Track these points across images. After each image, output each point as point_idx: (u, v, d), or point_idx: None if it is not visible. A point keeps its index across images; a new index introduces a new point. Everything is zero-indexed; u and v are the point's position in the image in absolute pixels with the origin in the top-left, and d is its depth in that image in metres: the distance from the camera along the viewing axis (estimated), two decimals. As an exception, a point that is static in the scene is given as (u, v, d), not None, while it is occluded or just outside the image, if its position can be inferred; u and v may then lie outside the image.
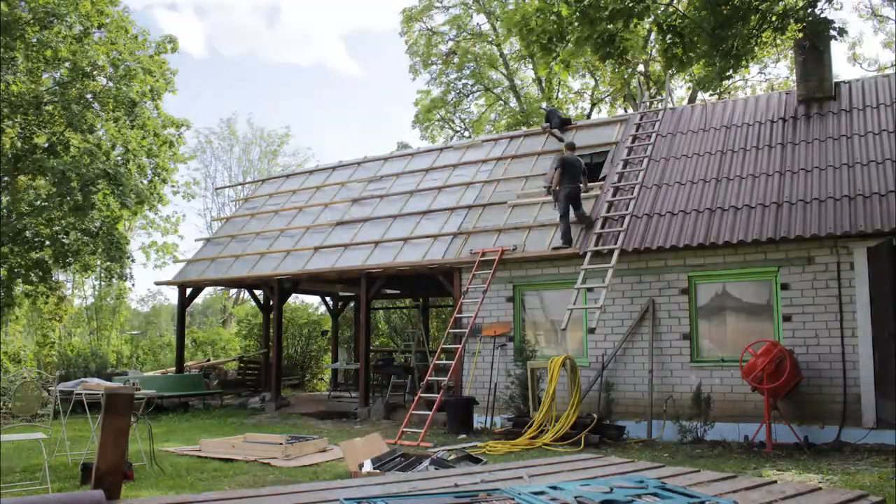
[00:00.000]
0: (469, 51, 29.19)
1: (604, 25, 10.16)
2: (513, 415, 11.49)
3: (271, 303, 16.44)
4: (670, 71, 13.93)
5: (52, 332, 22.88)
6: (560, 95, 29.21)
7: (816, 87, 12.90)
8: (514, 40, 26.20)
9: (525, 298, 12.71)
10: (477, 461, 7.85)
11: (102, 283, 24.91)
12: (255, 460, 9.18)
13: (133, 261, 20.81)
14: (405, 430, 11.21)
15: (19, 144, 18.67)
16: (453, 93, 30.39)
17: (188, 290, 17.17)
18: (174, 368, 17.79)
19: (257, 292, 18.78)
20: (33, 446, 9.55)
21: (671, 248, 11.09)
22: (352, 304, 20.47)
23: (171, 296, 52.41)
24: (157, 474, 8.20)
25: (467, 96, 30.79)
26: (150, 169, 21.26)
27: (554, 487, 3.36)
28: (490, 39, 29.48)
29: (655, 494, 3.28)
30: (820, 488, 3.85)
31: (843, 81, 13.34)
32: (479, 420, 12.20)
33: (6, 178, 19.14)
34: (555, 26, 10.41)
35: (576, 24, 10.23)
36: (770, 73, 27.07)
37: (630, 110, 26.65)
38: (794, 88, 13.59)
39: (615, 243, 11.50)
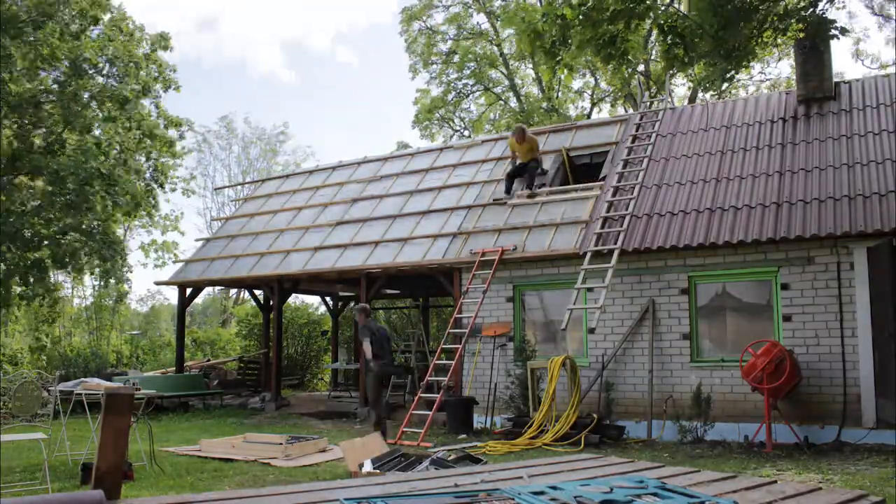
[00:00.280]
0: (469, 50, 29.19)
1: (605, 27, 10.16)
2: (513, 415, 11.49)
3: (271, 303, 16.44)
4: (670, 71, 13.95)
5: (44, 336, 22.84)
6: (560, 95, 29.22)
7: (817, 87, 12.91)
8: (513, 40, 26.23)
9: (525, 298, 12.71)
10: (477, 461, 7.84)
11: (100, 283, 24.92)
12: (255, 460, 9.18)
13: (130, 271, 20.83)
14: (405, 430, 11.21)
15: (16, 144, 18.67)
16: (453, 92, 30.40)
17: (188, 290, 17.16)
18: (174, 368, 17.78)
19: (257, 292, 18.78)
20: (33, 446, 9.55)
21: (671, 248, 11.09)
22: (352, 304, 20.46)
23: (171, 296, 52.39)
24: (157, 474, 8.20)
25: (467, 96, 30.80)
26: (149, 171, 21.25)
27: (554, 487, 3.36)
28: (490, 39, 29.48)
29: (655, 494, 3.28)
30: (820, 488, 3.85)
31: (844, 81, 13.35)
32: (479, 420, 12.20)
33: (4, 179, 19.14)
34: (559, 30, 10.40)
35: (578, 26, 10.23)
36: (770, 73, 27.05)
37: (630, 110, 26.65)
38: (795, 88, 13.59)
39: (615, 243, 11.50)
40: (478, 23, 30.19)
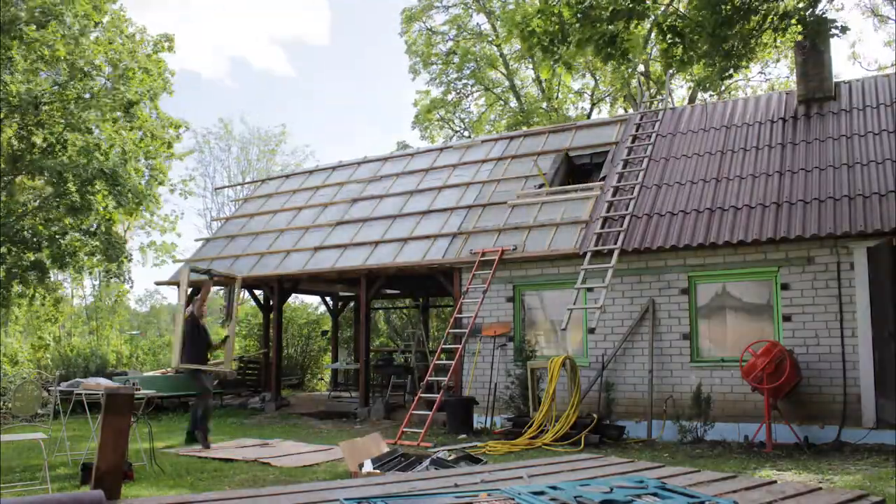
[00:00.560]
0: (469, 51, 29.19)
1: (605, 26, 10.16)
2: (513, 415, 11.48)
3: (271, 303, 16.43)
4: (670, 71, 13.95)
5: (46, 334, 22.86)
6: (560, 95, 29.22)
7: (816, 87, 12.91)
8: (514, 40, 26.21)
9: (525, 298, 12.71)
10: (477, 461, 7.84)
11: (101, 283, 24.93)
12: (255, 460, 9.19)
13: (130, 261, 20.79)
14: (405, 430, 11.21)
15: (16, 144, 18.67)
16: (453, 93, 30.40)
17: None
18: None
19: (257, 292, 18.77)
20: (33, 446, 9.54)
21: (671, 248, 11.09)
22: (352, 304, 20.46)
23: (171, 296, 52.36)
24: (157, 474, 8.20)
25: (467, 96, 30.80)
26: (147, 170, 21.25)
27: (554, 487, 3.36)
28: (490, 39, 29.48)
29: (655, 494, 3.28)
30: (820, 488, 3.85)
31: (843, 81, 13.35)
32: (479, 420, 12.20)
33: (5, 179, 19.14)
34: (556, 28, 10.39)
35: (577, 25, 10.23)
36: (770, 74, 27.07)
37: (630, 110, 26.66)
38: (794, 88, 13.59)
39: (615, 243, 11.50)
40: (478, 24, 30.22)
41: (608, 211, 12.28)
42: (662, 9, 10.81)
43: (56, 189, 17.59)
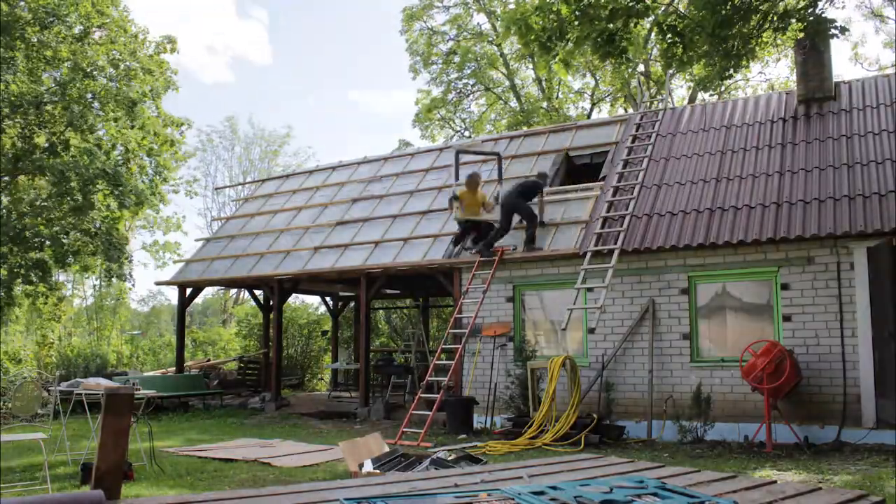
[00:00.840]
0: (469, 50, 29.19)
1: (603, 24, 10.15)
2: (513, 415, 11.48)
3: (271, 303, 16.43)
4: (670, 71, 13.95)
5: (51, 332, 22.89)
6: (560, 95, 29.22)
7: (816, 87, 12.90)
8: (514, 40, 26.19)
9: (525, 298, 12.71)
10: (477, 461, 7.83)
11: (102, 283, 24.93)
12: (255, 460, 9.19)
13: (131, 261, 20.79)
14: (405, 430, 11.20)
15: (19, 144, 18.68)
16: (454, 92, 30.40)
17: (188, 290, 17.16)
18: (174, 368, 17.79)
19: (257, 292, 18.78)
20: (33, 446, 9.55)
21: (671, 248, 11.09)
22: (352, 304, 20.46)
23: (172, 296, 52.41)
24: (157, 474, 8.20)
25: (468, 96, 30.80)
26: (151, 168, 21.27)
27: (554, 487, 3.36)
28: (490, 39, 29.48)
29: (655, 494, 3.27)
30: (820, 488, 3.85)
31: (843, 81, 13.34)
32: (479, 420, 12.20)
33: (6, 178, 19.14)
34: (554, 25, 10.39)
35: (575, 22, 10.23)
36: (770, 74, 27.07)
37: (630, 110, 26.65)
38: (794, 88, 13.59)
39: (615, 243, 11.50)
40: (478, 23, 30.23)
41: (608, 211, 12.28)
42: (662, 8, 10.80)
43: (58, 189, 17.59)
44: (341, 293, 19.86)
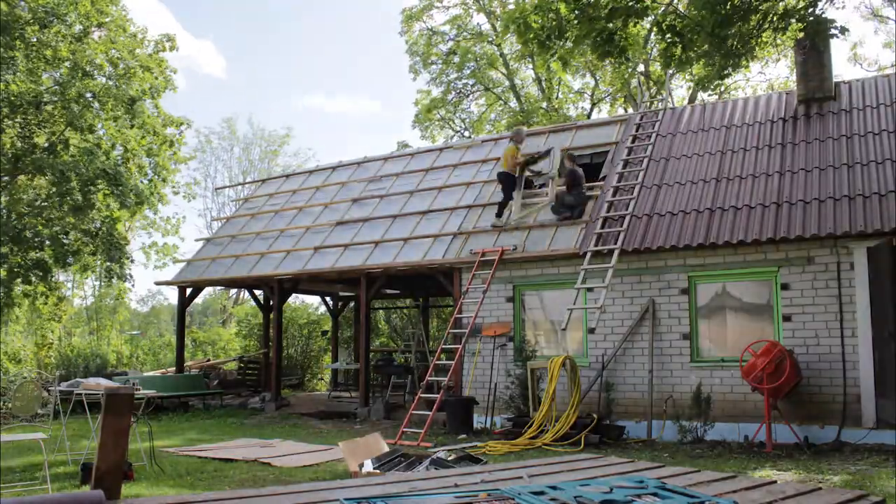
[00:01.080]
0: (469, 50, 29.19)
1: (602, 24, 10.15)
2: (513, 415, 11.48)
3: (271, 303, 16.43)
4: (670, 71, 13.95)
5: (51, 332, 22.88)
6: (560, 95, 29.21)
7: (816, 87, 12.90)
8: (513, 39, 26.20)
9: (525, 298, 12.70)
10: (477, 461, 7.84)
11: (102, 283, 24.93)
12: (255, 460, 9.19)
13: (132, 261, 20.80)
14: (405, 430, 11.20)
15: (19, 144, 18.68)
16: (453, 93, 30.39)
17: (188, 290, 17.16)
18: (174, 368, 17.78)
19: (257, 292, 18.78)
20: (33, 446, 9.55)
21: (671, 248, 11.09)
22: (352, 304, 20.46)
23: (171, 296, 52.44)
24: (157, 474, 8.20)
25: (467, 96, 30.79)
26: (150, 168, 21.27)
27: (554, 487, 3.36)
28: (490, 39, 29.48)
29: (655, 494, 3.27)
30: (820, 488, 3.85)
31: (843, 81, 13.34)
32: (479, 420, 12.20)
33: (6, 178, 19.14)
34: (553, 24, 10.39)
35: (574, 21, 10.23)
36: (770, 74, 27.07)
37: (630, 110, 26.65)
38: (794, 88, 13.59)
39: (615, 243, 11.50)
40: (478, 23, 30.22)
41: (608, 211, 12.28)
42: (662, 8, 10.80)
43: (58, 189, 17.59)
44: (341, 293, 19.86)
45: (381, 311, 23.64)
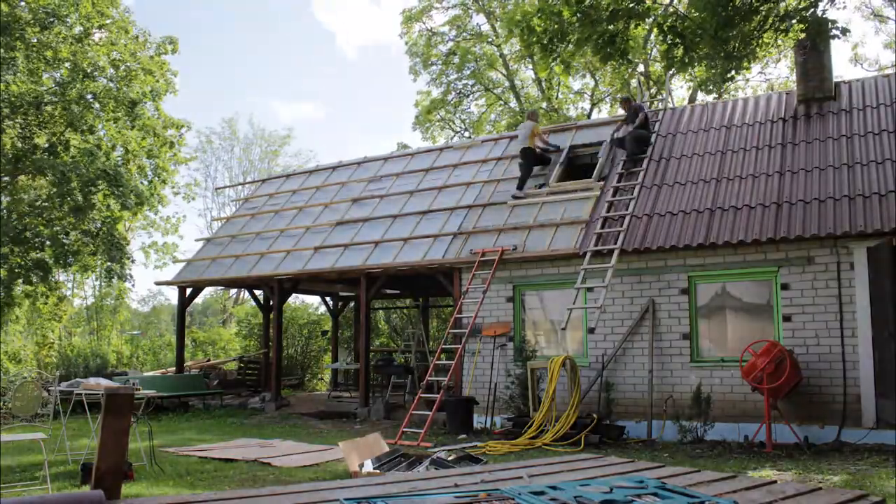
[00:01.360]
0: (469, 51, 29.19)
1: (604, 26, 10.16)
2: (513, 415, 11.49)
3: (271, 303, 16.44)
4: (670, 71, 13.93)
5: (51, 332, 22.89)
6: (560, 95, 29.20)
7: (816, 88, 12.90)
8: (514, 40, 26.20)
9: (525, 298, 12.71)
10: (477, 461, 7.84)
11: (102, 283, 24.95)
12: (255, 460, 9.19)
13: (133, 261, 20.80)
14: (405, 430, 11.21)
15: (19, 145, 18.69)
16: (453, 93, 30.39)
17: (188, 290, 17.17)
18: (174, 368, 17.79)
19: (257, 292, 18.78)
20: (33, 446, 9.55)
21: (671, 248, 11.09)
22: (352, 304, 20.46)
23: (172, 296, 52.43)
24: (157, 474, 8.20)
25: (467, 97, 30.78)
26: (150, 170, 21.29)
27: (554, 487, 3.36)
28: (490, 40, 29.48)
29: (655, 494, 3.27)
30: (820, 488, 3.85)
31: (843, 81, 13.34)
32: (479, 420, 12.20)
33: (6, 179, 19.15)
34: (555, 27, 10.40)
35: (576, 24, 10.23)
36: (770, 74, 27.05)
37: (630, 110, 26.54)
38: (794, 88, 13.58)
39: (615, 243, 11.50)
40: (477, 24, 30.21)
41: (608, 211, 12.28)
42: (662, 9, 10.80)
43: (59, 189, 17.60)
44: (341, 293, 19.87)
45: (381, 311, 23.65)
